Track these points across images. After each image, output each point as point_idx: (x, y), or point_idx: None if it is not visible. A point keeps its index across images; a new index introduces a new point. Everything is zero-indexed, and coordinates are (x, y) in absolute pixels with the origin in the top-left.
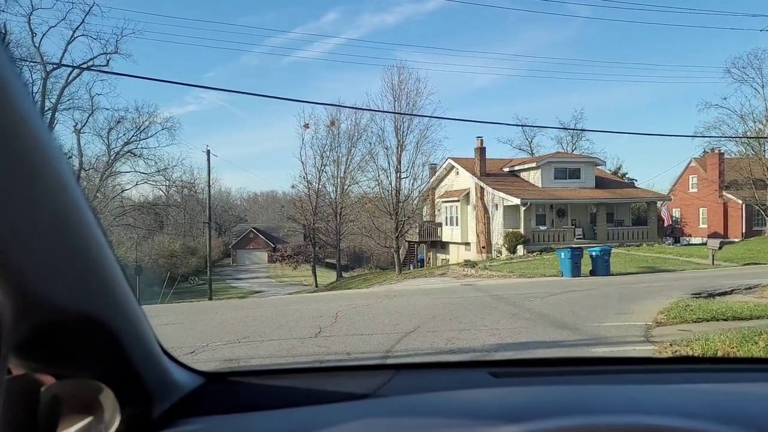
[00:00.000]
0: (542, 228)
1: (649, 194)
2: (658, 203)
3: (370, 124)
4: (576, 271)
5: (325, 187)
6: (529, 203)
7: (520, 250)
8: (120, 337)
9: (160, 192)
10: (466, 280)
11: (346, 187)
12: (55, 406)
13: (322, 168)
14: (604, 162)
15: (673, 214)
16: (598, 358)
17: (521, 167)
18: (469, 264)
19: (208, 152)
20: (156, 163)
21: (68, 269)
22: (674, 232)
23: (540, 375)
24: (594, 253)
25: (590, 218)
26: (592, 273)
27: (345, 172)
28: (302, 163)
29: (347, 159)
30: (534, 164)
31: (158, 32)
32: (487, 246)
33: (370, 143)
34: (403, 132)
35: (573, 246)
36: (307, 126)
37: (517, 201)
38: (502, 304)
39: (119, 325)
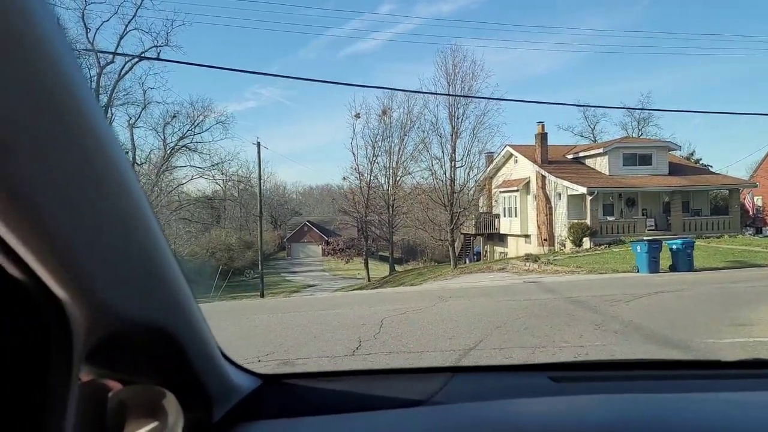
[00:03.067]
0: (610, 219)
1: (731, 180)
2: (742, 190)
3: (423, 111)
4: (654, 267)
5: (377, 179)
6: (595, 192)
7: (586, 242)
8: (183, 343)
9: (218, 186)
10: (528, 277)
11: (398, 178)
12: (122, 411)
13: (374, 159)
14: (679, 146)
15: (756, 203)
16: (670, 361)
17: (586, 153)
18: (530, 258)
19: (258, 144)
20: (211, 157)
21: (137, 280)
22: (756, 222)
23: (604, 380)
24: (674, 247)
25: (663, 207)
26: (672, 268)
27: (397, 162)
28: (353, 154)
29: (399, 149)
30: (600, 150)
31: (218, 25)
32: (549, 238)
33: (423, 131)
34: (458, 118)
35: (650, 238)
36: (358, 116)
37: (582, 190)
38: (580, 310)
39: (183, 332)
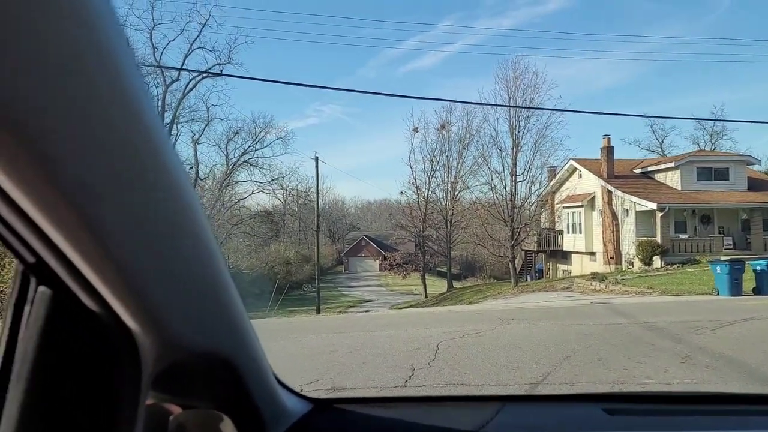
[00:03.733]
0: (683, 236)
1: None
2: None
3: (483, 125)
4: (736, 290)
5: (434, 193)
6: (667, 208)
7: (657, 261)
8: (240, 370)
9: (278, 200)
10: (595, 297)
11: (456, 192)
12: None
13: (432, 173)
14: (758, 160)
15: None
16: (736, 395)
17: (656, 168)
18: (597, 277)
19: (317, 159)
20: (271, 172)
21: (202, 311)
22: None
23: (662, 414)
24: (759, 268)
25: (742, 225)
26: (756, 291)
27: (456, 176)
28: (411, 168)
29: (458, 163)
30: (672, 164)
31: (281, 42)
32: (615, 256)
33: (483, 145)
34: (519, 132)
35: (730, 258)
36: (416, 130)
37: (652, 206)
38: (660, 338)
39: (240, 358)
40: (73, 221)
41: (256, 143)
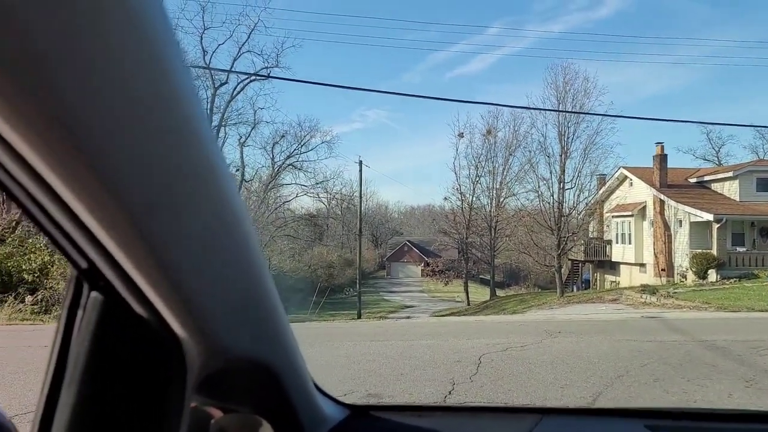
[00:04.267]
0: (740, 249)
1: None
2: None
3: (530, 131)
4: None
5: (479, 200)
6: (724, 219)
7: (712, 275)
8: (280, 375)
9: (321, 204)
10: (646, 311)
11: (502, 199)
12: None
13: (477, 179)
14: None
15: None
16: None
17: (712, 177)
18: (647, 289)
19: (360, 163)
20: (315, 175)
21: (247, 319)
22: None
23: None
24: None
25: None
26: None
27: (501, 183)
28: (456, 174)
29: (504, 169)
30: (730, 173)
31: (325, 51)
32: (667, 268)
33: (530, 151)
34: (567, 138)
35: None
36: (461, 135)
37: (708, 217)
38: (722, 359)
39: (280, 364)
40: (126, 229)
41: (302, 147)
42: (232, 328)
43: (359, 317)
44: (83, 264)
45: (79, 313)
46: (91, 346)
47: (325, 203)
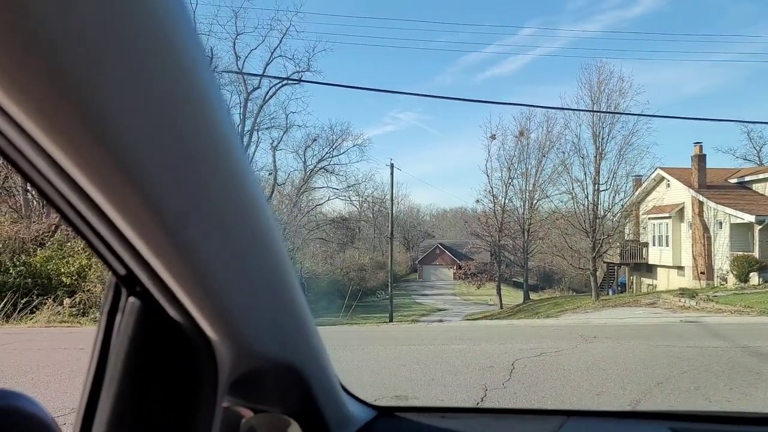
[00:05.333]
0: None
1: None
2: None
3: (564, 131)
4: None
5: (511, 202)
6: (766, 221)
7: (754, 278)
8: (308, 376)
9: (353, 207)
10: (685, 315)
11: (535, 201)
12: None
13: (509, 181)
14: None
15: None
16: None
17: (754, 177)
18: (686, 293)
19: (392, 166)
20: (347, 179)
21: (276, 322)
22: None
23: None
24: None
25: None
26: None
27: (534, 185)
28: (487, 176)
29: (537, 171)
30: None
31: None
32: (706, 271)
33: (563, 153)
34: (602, 139)
35: None
36: (493, 137)
37: (750, 218)
38: (766, 365)
39: (308, 365)
40: (161, 237)
41: (333, 150)
42: (261, 332)
43: (391, 320)
44: (121, 270)
45: (118, 317)
46: (130, 348)
47: (357, 206)
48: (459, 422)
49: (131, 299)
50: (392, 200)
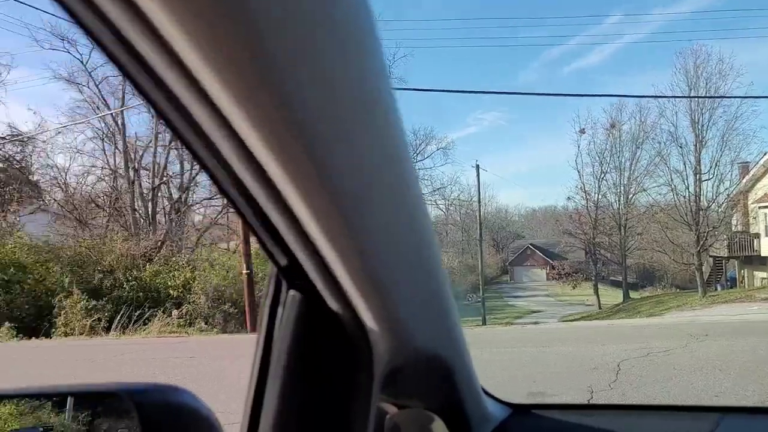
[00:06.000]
0: None
1: None
2: None
3: (659, 121)
4: None
5: (605, 197)
6: None
7: None
8: (454, 373)
9: (440, 210)
10: None
11: (630, 195)
12: None
13: (602, 176)
14: None
15: None
16: None
17: None
18: None
19: (477, 167)
20: (432, 183)
21: (429, 313)
22: None
23: None
24: None
25: None
26: None
27: (629, 178)
28: (578, 172)
29: (631, 164)
30: None
31: (436, 58)
32: None
33: (659, 143)
34: (702, 126)
35: None
36: (583, 131)
37: None
38: None
39: (454, 360)
40: (335, 220)
41: (417, 155)
42: (417, 324)
43: (484, 323)
44: (283, 261)
45: (279, 310)
46: (291, 342)
47: (443, 210)
48: (600, 419)
49: (292, 292)
50: (480, 202)
